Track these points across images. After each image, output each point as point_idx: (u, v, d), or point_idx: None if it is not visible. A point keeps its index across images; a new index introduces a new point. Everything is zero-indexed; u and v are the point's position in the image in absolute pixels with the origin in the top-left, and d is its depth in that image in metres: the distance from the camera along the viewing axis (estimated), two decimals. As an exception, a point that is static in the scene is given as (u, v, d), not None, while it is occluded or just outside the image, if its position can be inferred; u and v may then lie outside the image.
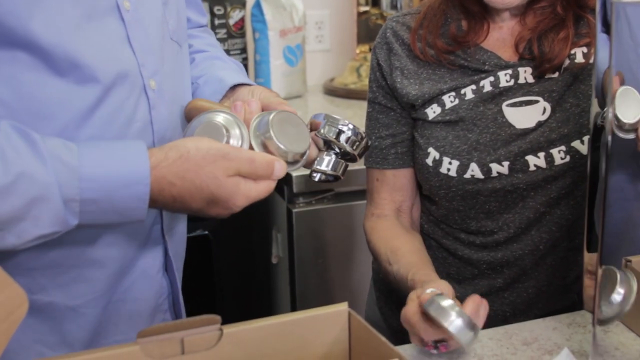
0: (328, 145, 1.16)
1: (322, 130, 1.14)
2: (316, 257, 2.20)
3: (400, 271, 1.30)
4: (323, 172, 1.16)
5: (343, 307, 1.01)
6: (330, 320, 1.01)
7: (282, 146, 1.08)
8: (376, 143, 1.47)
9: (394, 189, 1.46)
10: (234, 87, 1.25)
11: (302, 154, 1.12)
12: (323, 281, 2.24)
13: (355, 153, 1.16)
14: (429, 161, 1.37)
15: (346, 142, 1.14)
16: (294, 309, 2.19)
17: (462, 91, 1.37)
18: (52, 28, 0.99)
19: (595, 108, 1.03)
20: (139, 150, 1.01)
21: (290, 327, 0.99)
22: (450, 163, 1.35)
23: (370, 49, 2.80)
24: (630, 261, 1.16)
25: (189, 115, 1.15)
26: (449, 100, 1.37)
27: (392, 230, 1.43)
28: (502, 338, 1.16)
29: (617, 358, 1.05)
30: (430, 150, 1.37)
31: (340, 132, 1.14)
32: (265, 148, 1.08)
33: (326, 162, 1.16)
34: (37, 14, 0.97)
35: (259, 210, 2.30)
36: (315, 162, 1.16)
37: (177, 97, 1.19)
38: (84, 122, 1.04)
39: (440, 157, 1.36)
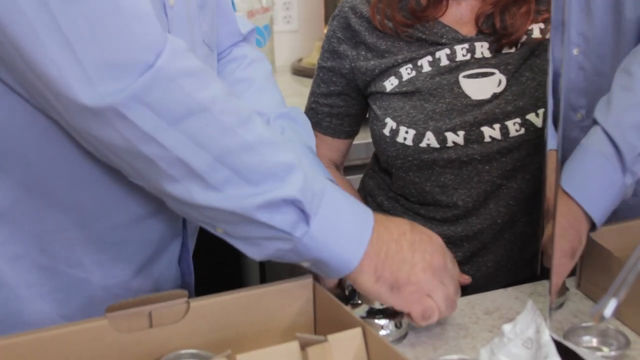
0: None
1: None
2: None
3: None
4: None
5: (308, 279, 1.04)
6: (295, 292, 1.03)
7: None
8: (313, 105, 1.54)
9: (332, 150, 1.56)
10: None
11: None
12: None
13: None
14: (386, 131, 1.40)
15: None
16: (263, 280, 2.21)
17: (419, 63, 1.40)
18: None
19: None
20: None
21: (257, 299, 1.01)
22: (406, 132, 1.37)
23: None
24: (588, 231, 1.19)
25: None
26: (406, 72, 1.41)
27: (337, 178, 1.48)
28: (464, 308, 1.19)
29: (575, 325, 1.08)
30: (388, 120, 1.40)
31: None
32: None
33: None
34: None
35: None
36: None
37: None
38: None
39: (397, 126, 1.39)
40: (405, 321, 1.10)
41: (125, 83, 0.88)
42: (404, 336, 1.10)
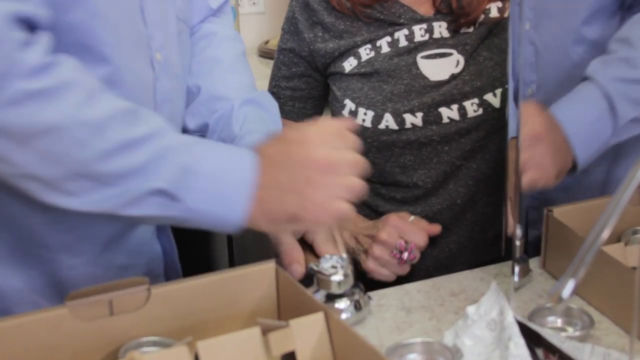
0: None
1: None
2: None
3: None
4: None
5: (270, 264, 1.03)
6: (258, 277, 1.02)
7: None
8: (274, 90, 1.52)
9: None
10: None
11: None
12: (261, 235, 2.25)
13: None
14: (345, 112, 1.40)
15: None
16: (231, 257, 2.21)
17: (378, 43, 1.40)
18: None
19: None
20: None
21: (219, 285, 1.00)
22: (365, 114, 1.37)
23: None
24: (551, 211, 1.19)
25: None
26: (365, 52, 1.40)
27: None
28: (430, 290, 1.19)
29: (540, 305, 1.08)
30: (347, 101, 1.40)
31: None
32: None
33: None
34: None
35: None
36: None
37: (179, 72, 1.19)
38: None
39: (356, 108, 1.38)
40: (364, 302, 1.11)
41: None
42: (364, 318, 1.10)
